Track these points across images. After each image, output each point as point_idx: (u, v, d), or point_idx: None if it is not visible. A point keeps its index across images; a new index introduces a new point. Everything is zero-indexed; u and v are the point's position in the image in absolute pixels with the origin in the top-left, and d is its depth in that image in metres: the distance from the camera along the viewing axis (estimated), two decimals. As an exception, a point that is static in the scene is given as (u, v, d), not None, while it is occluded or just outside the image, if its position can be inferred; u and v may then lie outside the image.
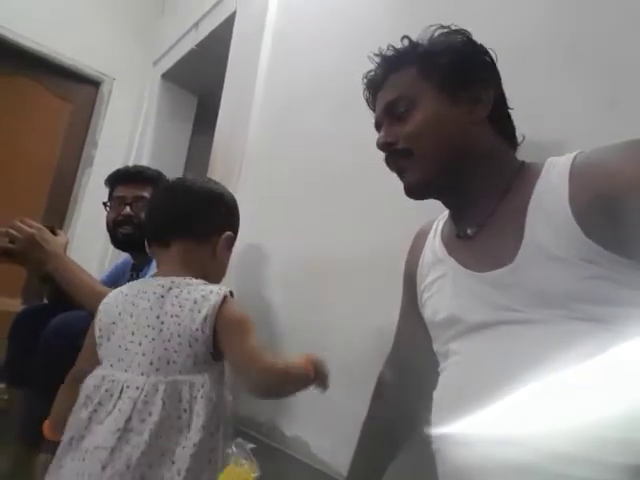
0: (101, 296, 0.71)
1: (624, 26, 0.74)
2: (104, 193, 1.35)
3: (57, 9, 2.38)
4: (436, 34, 0.64)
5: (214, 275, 0.72)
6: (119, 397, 0.56)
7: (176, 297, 0.62)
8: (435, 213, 0.74)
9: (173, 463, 0.54)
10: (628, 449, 0.41)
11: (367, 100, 0.71)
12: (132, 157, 2.48)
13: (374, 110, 0.69)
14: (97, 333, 0.65)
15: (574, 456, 0.42)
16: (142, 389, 0.56)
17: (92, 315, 0.70)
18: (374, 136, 0.68)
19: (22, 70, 2.33)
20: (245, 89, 1.74)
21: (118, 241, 1.28)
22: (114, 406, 0.56)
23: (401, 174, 0.65)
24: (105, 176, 1.34)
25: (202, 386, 0.58)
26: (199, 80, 2.53)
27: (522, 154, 0.64)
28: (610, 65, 0.74)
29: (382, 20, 1.22)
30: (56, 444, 0.59)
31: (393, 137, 0.63)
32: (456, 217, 0.67)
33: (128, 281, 0.75)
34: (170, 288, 0.63)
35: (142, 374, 0.58)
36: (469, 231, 0.62)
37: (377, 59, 0.67)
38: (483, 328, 0.54)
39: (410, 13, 1.12)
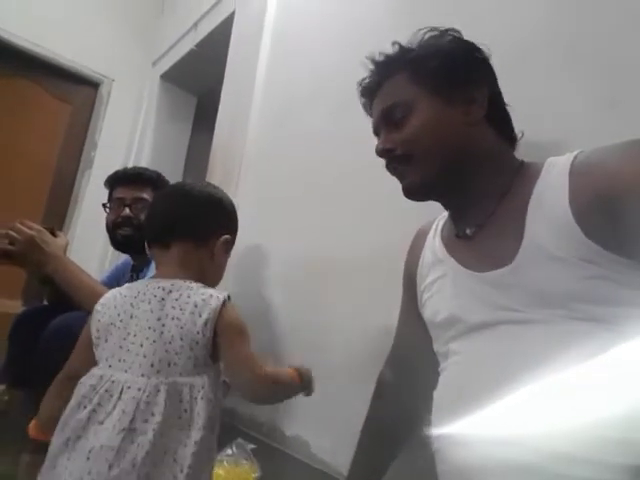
0: (101, 297, 0.71)
1: (624, 26, 0.74)
2: (104, 194, 1.34)
3: (56, 10, 2.39)
4: (426, 37, 0.64)
5: (212, 277, 0.73)
6: (119, 398, 0.56)
7: (176, 300, 0.63)
8: (435, 213, 0.74)
9: (175, 461, 0.55)
10: (628, 449, 0.41)
11: (364, 105, 0.72)
12: (132, 158, 2.48)
13: (371, 116, 0.69)
14: (95, 333, 0.65)
15: (574, 456, 0.42)
16: (144, 390, 0.56)
17: (92, 316, 0.70)
18: (373, 136, 0.68)
19: (21, 71, 2.33)
20: (244, 89, 1.73)
21: (117, 242, 1.28)
22: (114, 407, 0.56)
23: (402, 179, 0.65)
24: (105, 177, 1.33)
25: (202, 387, 0.59)
26: (198, 80, 2.53)
27: (522, 154, 0.64)
28: (610, 65, 0.74)
29: (382, 20, 1.22)
30: (39, 444, 0.58)
31: (392, 143, 0.63)
32: (456, 217, 0.67)
33: (128, 282, 0.75)
34: (170, 291, 0.64)
35: (143, 375, 0.58)
36: (469, 231, 0.62)
37: (370, 65, 0.67)
38: (483, 328, 0.55)
39: (410, 13, 1.13)
